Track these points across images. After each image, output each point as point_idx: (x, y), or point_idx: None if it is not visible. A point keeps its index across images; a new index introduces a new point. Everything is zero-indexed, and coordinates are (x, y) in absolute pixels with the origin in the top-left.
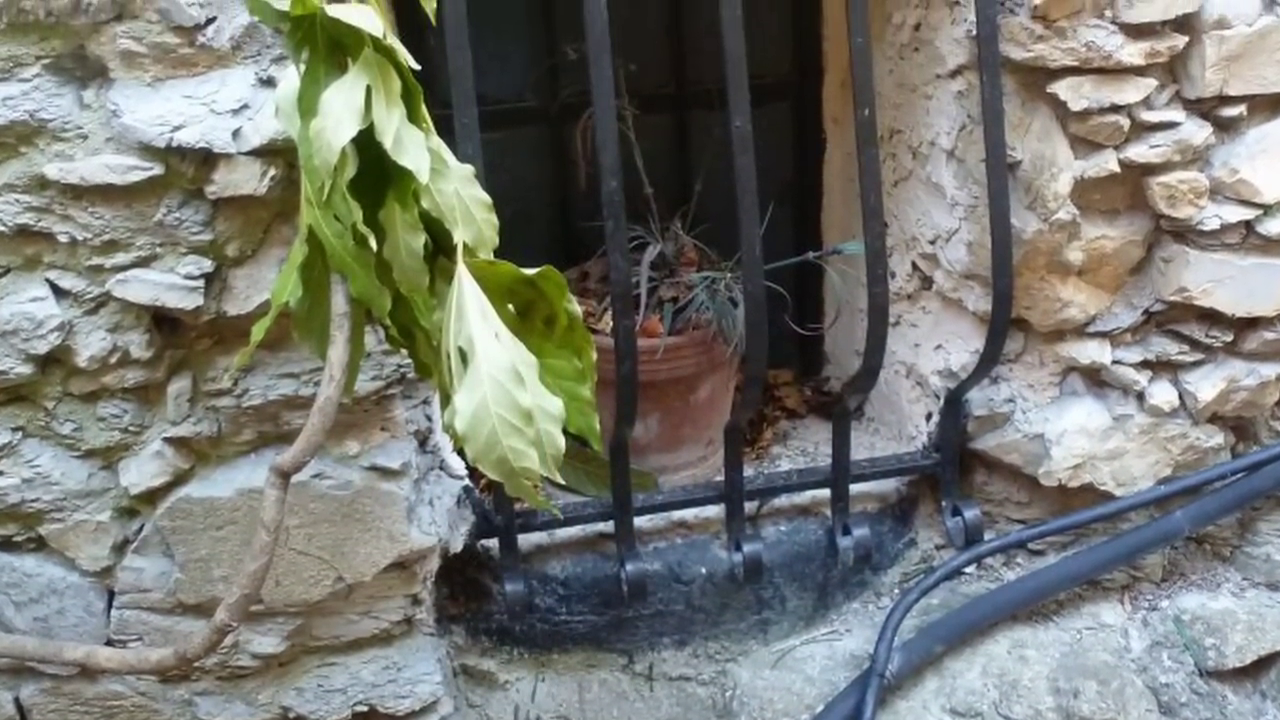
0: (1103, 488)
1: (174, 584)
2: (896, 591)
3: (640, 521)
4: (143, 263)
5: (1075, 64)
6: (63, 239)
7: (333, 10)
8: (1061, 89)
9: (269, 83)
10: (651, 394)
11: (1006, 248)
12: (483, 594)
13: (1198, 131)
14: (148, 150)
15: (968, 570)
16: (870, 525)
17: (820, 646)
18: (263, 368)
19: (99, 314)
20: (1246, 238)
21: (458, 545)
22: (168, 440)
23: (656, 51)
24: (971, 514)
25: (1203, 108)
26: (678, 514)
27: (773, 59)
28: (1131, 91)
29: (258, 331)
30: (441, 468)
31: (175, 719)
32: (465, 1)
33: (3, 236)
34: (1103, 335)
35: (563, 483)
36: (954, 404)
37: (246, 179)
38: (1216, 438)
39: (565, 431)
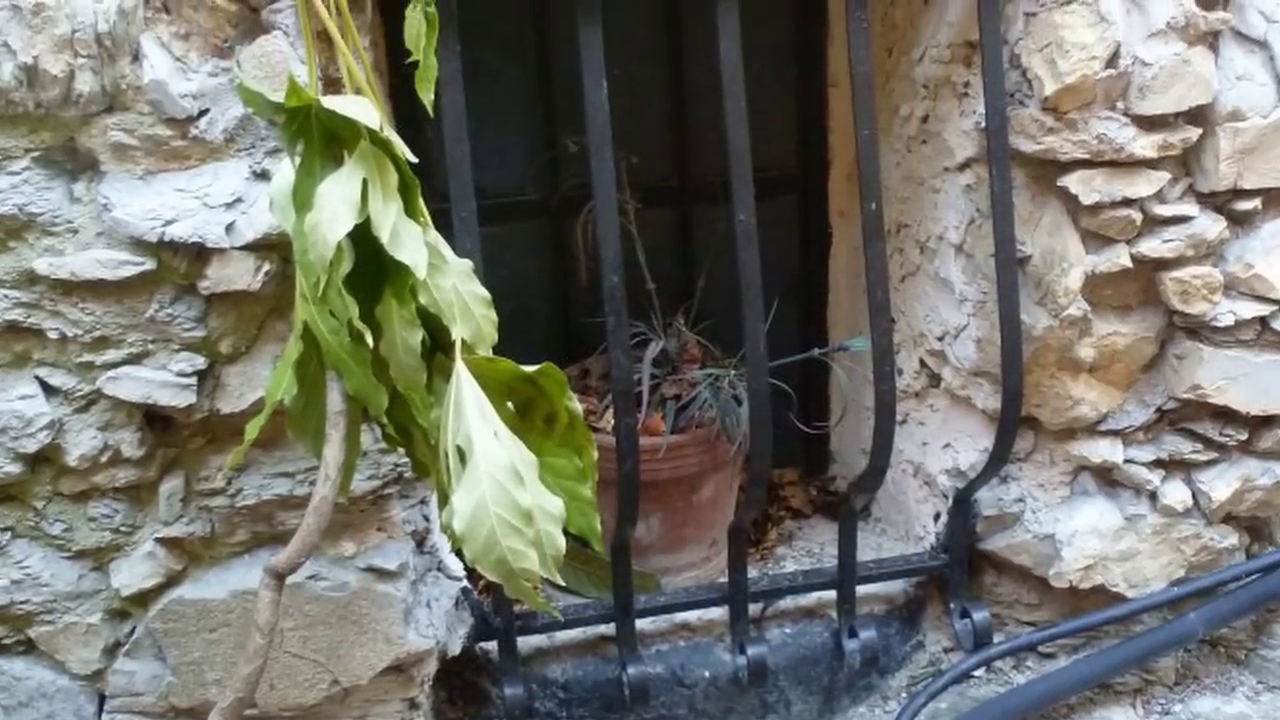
0: (1115, 589)
1: (166, 687)
2: (904, 695)
3: (642, 624)
4: (134, 359)
5: (1086, 157)
6: (53, 335)
7: (328, 102)
8: (1072, 182)
9: (263, 176)
10: (654, 493)
11: (1016, 344)
12: (481, 698)
13: (1211, 226)
14: (139, 245)
15: (977, 673)
16: (877, 627)
17: None
18: (257, 467)
19: (89, 412)
20: (1261, 334)
21: (456, 648)
22: (160, 541)
23: (659, 144)
24: (980, 616)
25: (1216, 201)
26: (681, 616)
27: (777, 152)
28: (1144, 185)
29: (252, 430)
30: (439, 569)
31: None
32: (463, 93)
33: None
34: (1115, 434)
35: (563, 584)
36: (963, 504)
37: (240, 274)
38: (1231, 538)
39: (566, 532)
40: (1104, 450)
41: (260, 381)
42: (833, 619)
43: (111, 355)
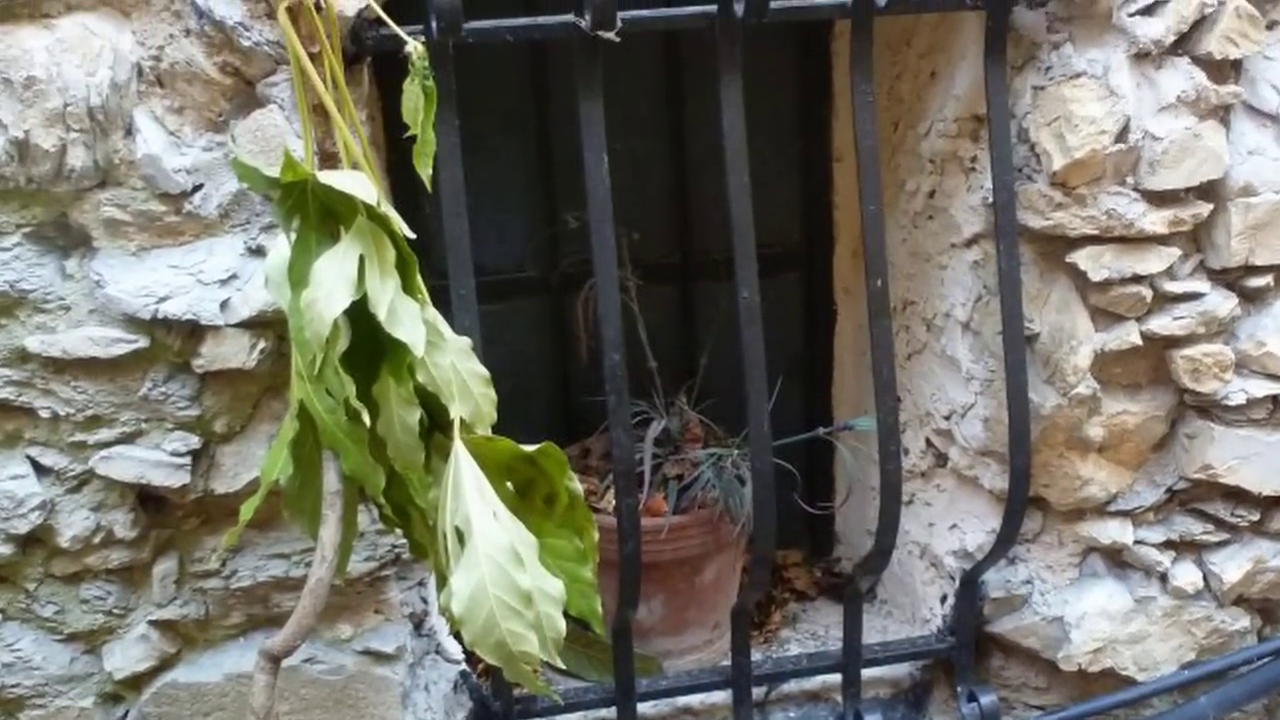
0: (1124, 672)
1: None
2: None
3: (644, 708)
4: (127, 439)
5: (1096, 233)
6: (44, 414)
7: (324, 177)
8: (1081, 258)
9: (258, 252)
10: (655, 575)
11: (1024, 423)
12: None
13: (1223, 303)
14: (132, 322)
15: None
16: (883, 711)
17: None
18: (252, 548)
19: (82, 492)
20: (1274, 413)
21: None
22: (153, 623)
23: (661, 220)
24: (988, 700)
25: (1228, 278)
26: (683, 700)
27: (781, 228)
28: (1154, 261)
29: (247, 510)
30: (437, 651)
31: None
32: (462, 168)
33: None
34: (1124, 514)
35: (563, 667)
36: (970, 585)
37: (235, 352)
38: (1243, 620)
39: (566, 614)
40: (1113, 531)
41: (255, 461)
42: (838, 703)
43: (104, 434)
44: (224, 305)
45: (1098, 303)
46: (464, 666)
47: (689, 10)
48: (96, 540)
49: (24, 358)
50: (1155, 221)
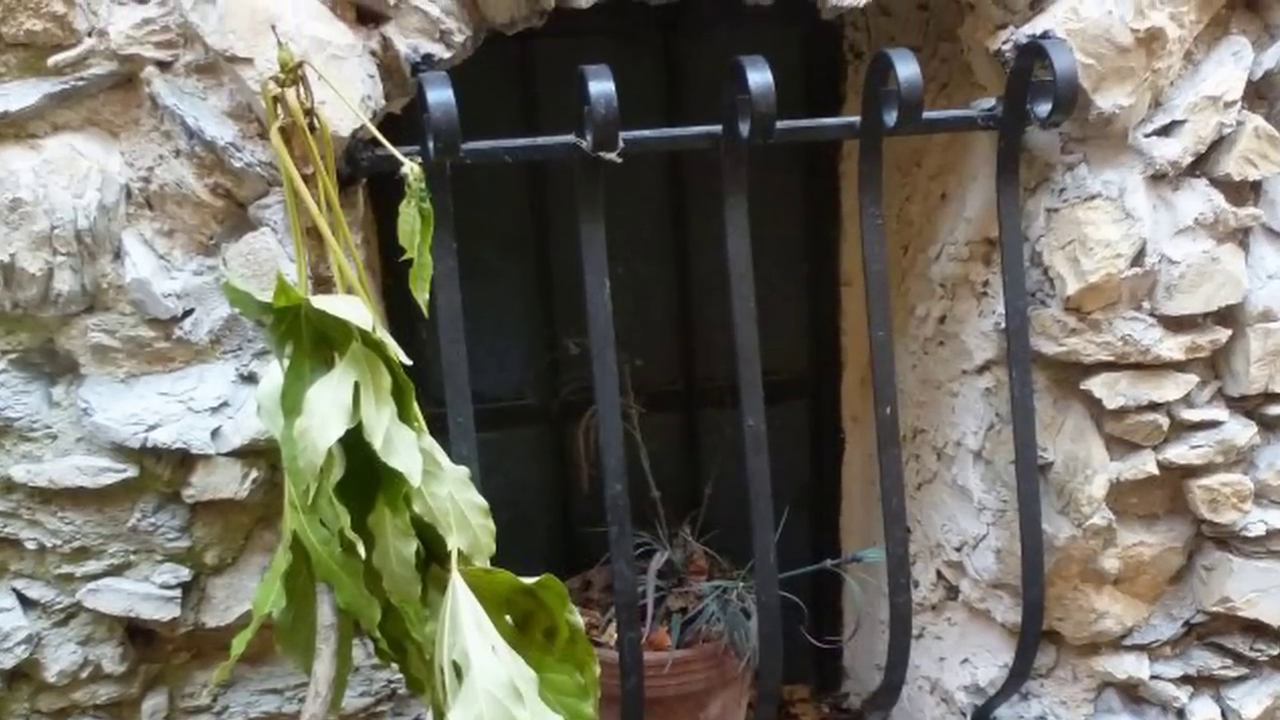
0: None
1: None
2: None
3: None
4: (116, 571)
5: (1111, 359)
6: (30, 545)
7: (318, 302)
8: (1096, 386)
9: (250, 379)
10: (659, 711)
11: (1038, 555)
12: None
13: (1241, 431)
14: (121, 451)
15: None
16: None
17: None
18: (244, 683)
19: (69, 625)
20: None
21: None
22: None
23: (664, 345)
24: None
25: (1247, 405)
26: None
27: (788, 354)
28: (1171, 388)
29: (238, 644)
30: None
31: None
32: (459, 292)
33: None
34: (1140, 648)
35: None
36: None
37: (226, 481)
38: None
39: None
40: (1129, 666)
41: (247, 594)
42: None
43: (92, 566)
44: (215, 433)
45: (1113, 431)
46: None
47: (693, 130)
48: (84, 675)
49: (9, 487)
50: (1172, 347)
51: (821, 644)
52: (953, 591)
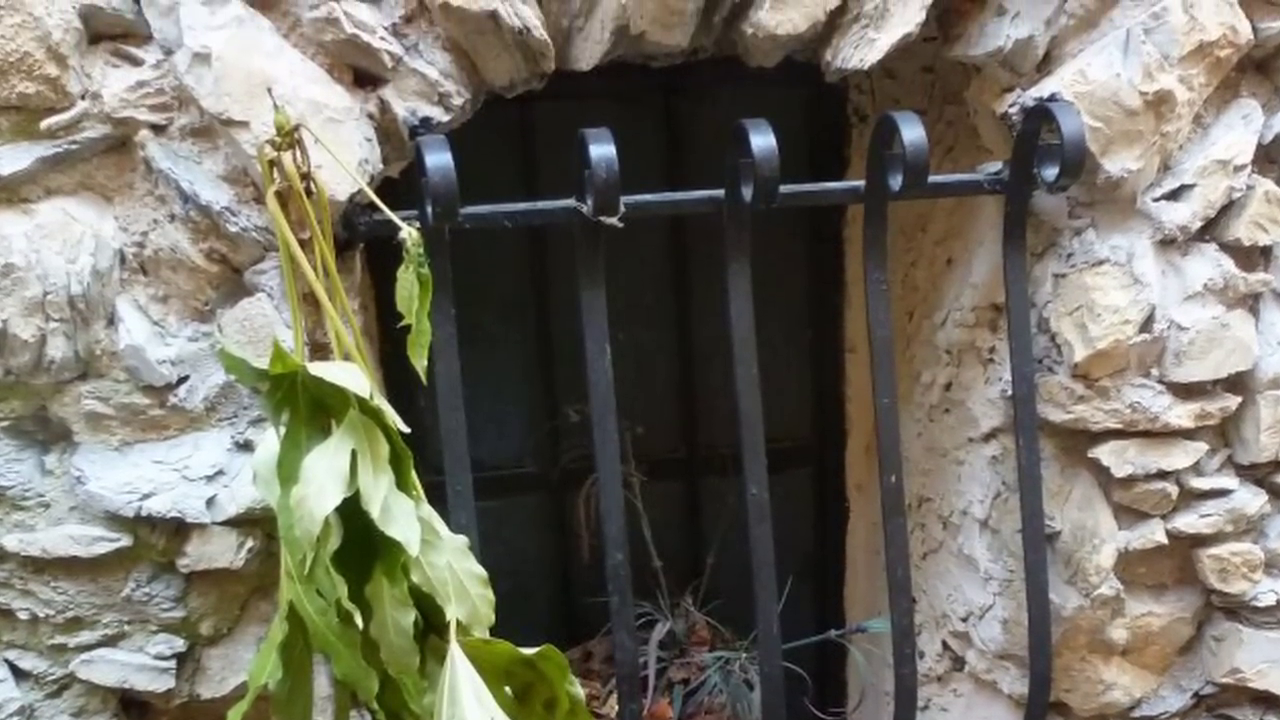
0: None
1: None
2: None
3: None
4: (109, 641)
5: (1119, 426)
6: (23, 616)
7: (315, 369)
8: (1104, 453)
9: (246, 447)
10: None
11: (1045, 626)
12: None
13: (1252, 500)
14: (115, 520)
15: None
16: None
17: None
18: None
19: (62, 697)
20: None
21: None
22: None
23: (666, 413)
24: None
25: (1257, 474)
26: None
27: (791, 421)
28: (1180, 456)
29: (234, 716)
30: None
31: None
32: (458, 359)
33: None
34: None
35: None
36: None
37: (222, 551)
38: None
39: None
40: None
41: (243, 664)
42: None
43: (85, 637)
44: (210, 502)
45: (1121, 500)
46: None
47: (696, 194)
48: None
49: (1, 557)
50: (1181, 415)
51: (825, 715)
52: (959, 662)
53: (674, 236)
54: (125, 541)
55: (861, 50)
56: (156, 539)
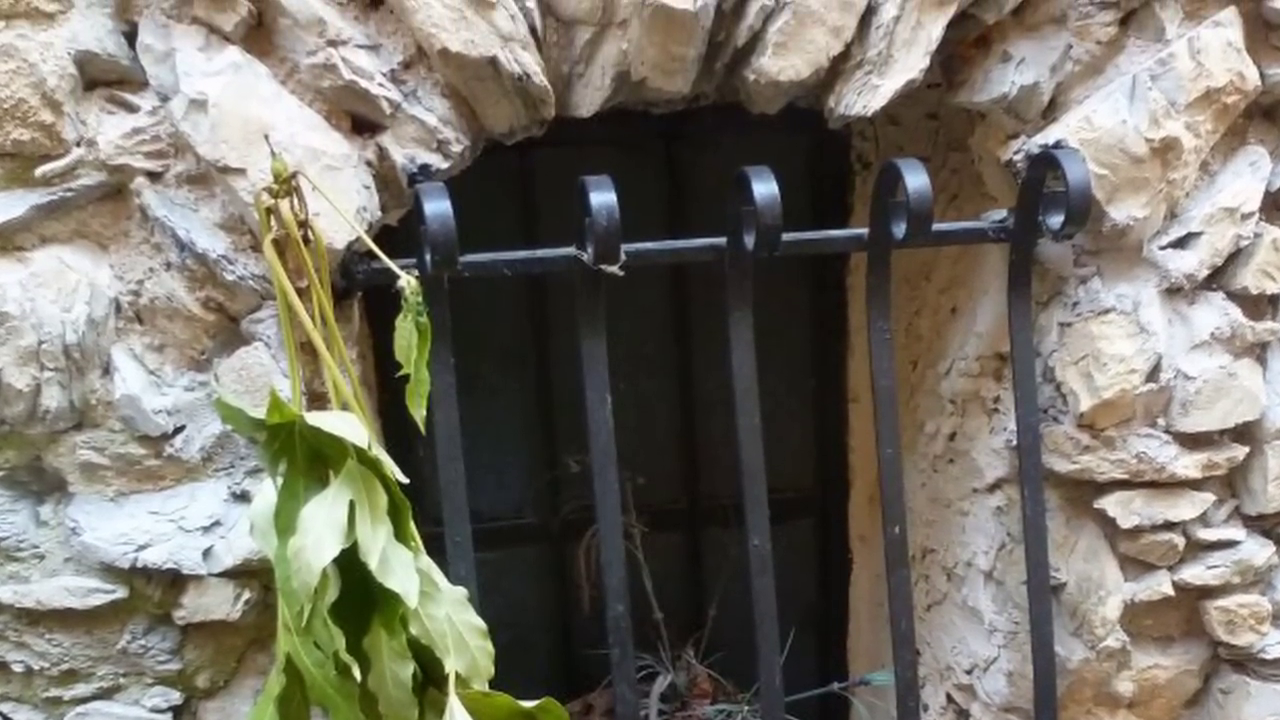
0: None
1: None
2: None
3: None
4: (105, 694)
5: (1125, 477)
6: (17, 668)
7: (312, 419)
8: (1110, 504)
9: (243, 497)
10: None
11: (1050, 678)
12: None
13: (1259, 551)
14: (110, 571)
15: None
16: None
17: None
18: None
19: None
20: None
21: None
22: None
23: (667, 463)
24: None
25: (1264, 524)
26: None
27: (794, 472)
28: (1187, 507)
29: None
30: None
31: None
32: (457, 409)
33: None
34: None
35: None
36: None
37: (218, 602)
38: None
39: None
40: None
41: (240, 718)
42: None
43: (80, 689)
44: (207, 554)
45: (1127, 551)
46: None
47: (697, 242)
48: None
49: None
50: (1188, 465)
51: None
52: (963, 715)
53: (675, 285)
54: (121, 593)
55: (865, 97)
56: (152, 590)
